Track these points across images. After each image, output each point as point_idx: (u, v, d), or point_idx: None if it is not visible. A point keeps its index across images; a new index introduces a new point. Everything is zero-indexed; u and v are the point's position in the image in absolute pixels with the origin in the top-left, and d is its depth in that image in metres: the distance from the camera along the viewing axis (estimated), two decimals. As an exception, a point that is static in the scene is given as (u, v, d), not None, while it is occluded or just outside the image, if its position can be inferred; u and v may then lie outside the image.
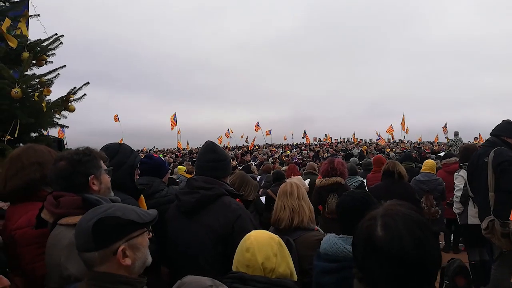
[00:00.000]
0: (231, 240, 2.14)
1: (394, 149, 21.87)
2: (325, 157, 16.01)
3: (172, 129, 29.26)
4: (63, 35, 3.96)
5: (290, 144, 33.57)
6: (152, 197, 2.78)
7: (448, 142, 18.42)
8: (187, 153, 27.32)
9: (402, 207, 1.18)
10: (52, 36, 3.93)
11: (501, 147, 3.79)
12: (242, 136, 35.27)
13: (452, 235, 6.83)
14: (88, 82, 3.96)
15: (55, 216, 1.72)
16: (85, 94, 3.96)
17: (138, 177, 2.62)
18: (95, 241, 1.35)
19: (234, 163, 9.84)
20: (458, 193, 5.05)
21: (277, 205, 2.76)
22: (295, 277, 1.72)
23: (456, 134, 17.68)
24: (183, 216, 2.37)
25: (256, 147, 29.88)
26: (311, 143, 32.59)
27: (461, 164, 5.04)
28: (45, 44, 3.89)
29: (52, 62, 3.99)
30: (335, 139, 34.09)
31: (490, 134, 4.08)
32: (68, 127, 4.23)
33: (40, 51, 3.84)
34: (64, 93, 3.87)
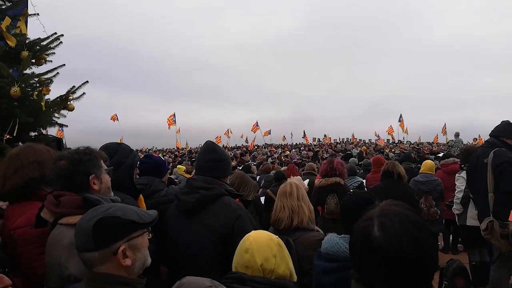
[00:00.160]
0: (231, 240, 2.13)
1: (393, 150, 21.89)
2: (324, 157, 16.02)
3: (169, 128, 29.23)
4: (62, 35, 3.96)
5: (290, 144, 33.57)
6: (151, 197, 2.77)
7: (448, 143, 18.37)
8: (187, 153, 27.30)
9: (398, 207, 1.18)
10: (52, 35, 3.92)
11: (500, 148, 3.79)
12: (242, 136, 35.32)
13: (450, 235, 6.83)
14: (87, 81, 3.96)
15: (55, 216, 1.72)
16: (84, 93, 3.96)
17: (137, 176, 2.62)
18: (95, 241, 1.34)
19: (233, 163, 9.84)
20: (459, 195, 5.05)
21: (276, 205, 2.75)
22: (295, 278, 1.71)
23: (457, 135, 17.62)
24: (183, 216, 2.37)
25: (255, 147, 29.87)
26: (310, 143, 32.59)
27: (462, 166, 5.03)
28: (44, 43, 3.88)
29: (51, 61, 3.99)
30: (334, 140, 34.14)
31: (490, 135, 4.08)
32: (67, 126, 4.24)
33: (40, 50, 3.83)
34: (63, 92, 3.87)
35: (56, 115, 3.91)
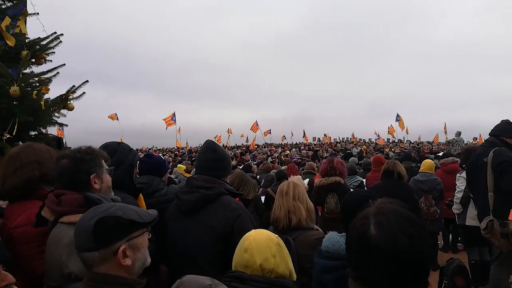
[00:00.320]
0: (231, 240, 2.14)
1: (393, 149, 21.87)
2: (324, 156, 16.02)
3: (166, 128, 29.11)
4: (62, 34, 3.96)
5: (290, 144, 33.56)
6: (152, 196, 2.77)
7: (448, 141, 18.28)
8: (187, 152, 27.28)
9: (394, 204, 1.19)
10: (52, 34, 3.92)
11: (500, 147, 3.78)
12: (242, 136, 35.30)
13: (450, 235, 6.84)
14: (87, 81, 3.96)
15: (56, 214, 1.72)
16: (84, 93, 3.96)
17: (137, 176, 2.61)
18: (95, 240, 1.34)
19: (233, 162, 9.84)
20: (458, 195, 5.05)
21: (275, 204, 2.76)
22: (294, 277, 1.71)
23: (458, 134, 17.56)
24: (183, 216, 2.37)
25: (256, 146, 29.87)
26: (310, 143, 32.59)
27: (463, 166, 5.03)
28: (44, 42, 3.88)
29: (51, 60, 3.99)
30: (334, 139, 34.11)
31: (489, 134, 4.08)
32: (67, 125, 4.23)
33: (39, 49, 3.83)
34: (63, 92, 3.86)
35: (56, 114, 3.92)
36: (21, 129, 3.30)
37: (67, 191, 1.77)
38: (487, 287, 4.14)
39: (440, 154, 9.67)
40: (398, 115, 29.59)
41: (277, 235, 1.73)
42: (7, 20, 3.50)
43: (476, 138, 25.65)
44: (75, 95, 3.90)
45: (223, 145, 30.82)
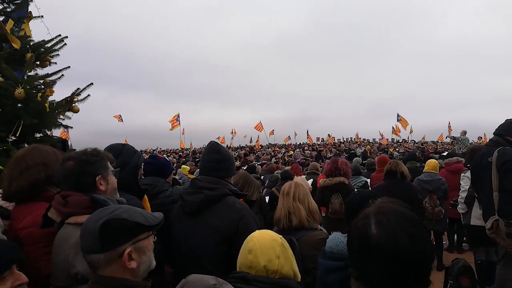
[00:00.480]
0: (235, 241, 2.14)
1: (397, 149, 21.80)
2: (327, 157, 16.00)
3: (171, 129, 29.12)
4: (67, 37, 3.99)
5: (293, 144, 33.52)
6: (156, 197, 2.78)
7: (452, 137, 18.10)
8: (191, 153, 27.30)
9: (394, 204, 1.19)
10: (56, 37, 3.95)
11: (504, 146, 3.76)
12: (245, 136, 35.30)
13: (455, 234, 6.80)
14: (92, 83, 3.98)
15: (62, 215, 1.73)
16: (89, 95, 3.99)
17: (142, 177, 2.62)
18: (101, 243, 1.34)
19: (237, 163, 9.84)
20: (463, 194, 5.02)
21: (278, 205, 2.76)
22: (299, 277, 1.72)
23: (464, 133, 17.43)
24: (187, 217, 2.37)
25: (260, 147, 29.86)
26: (314, 143, 32.55)
27: (468, 165, 5.00)
28: (49, 45, 3.91)
29: (56, 63, 4.02)
30: (338, 139, 34.04)
31: (494, 134, 4.05)
32: (72, 127, 4.26)
33: (44, 52, 3.86)
34: (68, 94, 3.89)
35: (61, 116, 3.94)
36: (26, 131, 3.33)
37: (74, 193, 1.78)
38: (493, 287, 4.12)
39: (445, 153, 9.63)
40: (398, 115, 29.48)
41: (281, 236, 1.73)
42: (11, 23, 3.52)
43: (481, 138, 25.54)
44: (79, 97, 3.93)
45: (227, 146, 30.83)
